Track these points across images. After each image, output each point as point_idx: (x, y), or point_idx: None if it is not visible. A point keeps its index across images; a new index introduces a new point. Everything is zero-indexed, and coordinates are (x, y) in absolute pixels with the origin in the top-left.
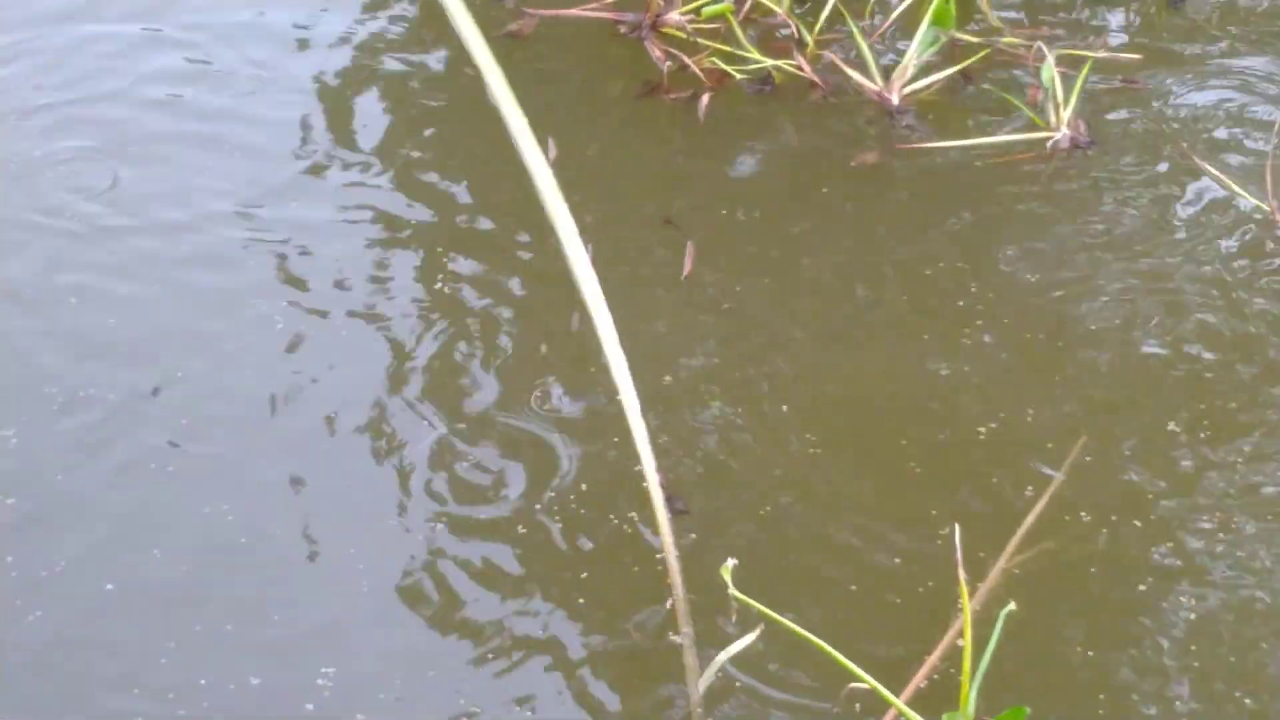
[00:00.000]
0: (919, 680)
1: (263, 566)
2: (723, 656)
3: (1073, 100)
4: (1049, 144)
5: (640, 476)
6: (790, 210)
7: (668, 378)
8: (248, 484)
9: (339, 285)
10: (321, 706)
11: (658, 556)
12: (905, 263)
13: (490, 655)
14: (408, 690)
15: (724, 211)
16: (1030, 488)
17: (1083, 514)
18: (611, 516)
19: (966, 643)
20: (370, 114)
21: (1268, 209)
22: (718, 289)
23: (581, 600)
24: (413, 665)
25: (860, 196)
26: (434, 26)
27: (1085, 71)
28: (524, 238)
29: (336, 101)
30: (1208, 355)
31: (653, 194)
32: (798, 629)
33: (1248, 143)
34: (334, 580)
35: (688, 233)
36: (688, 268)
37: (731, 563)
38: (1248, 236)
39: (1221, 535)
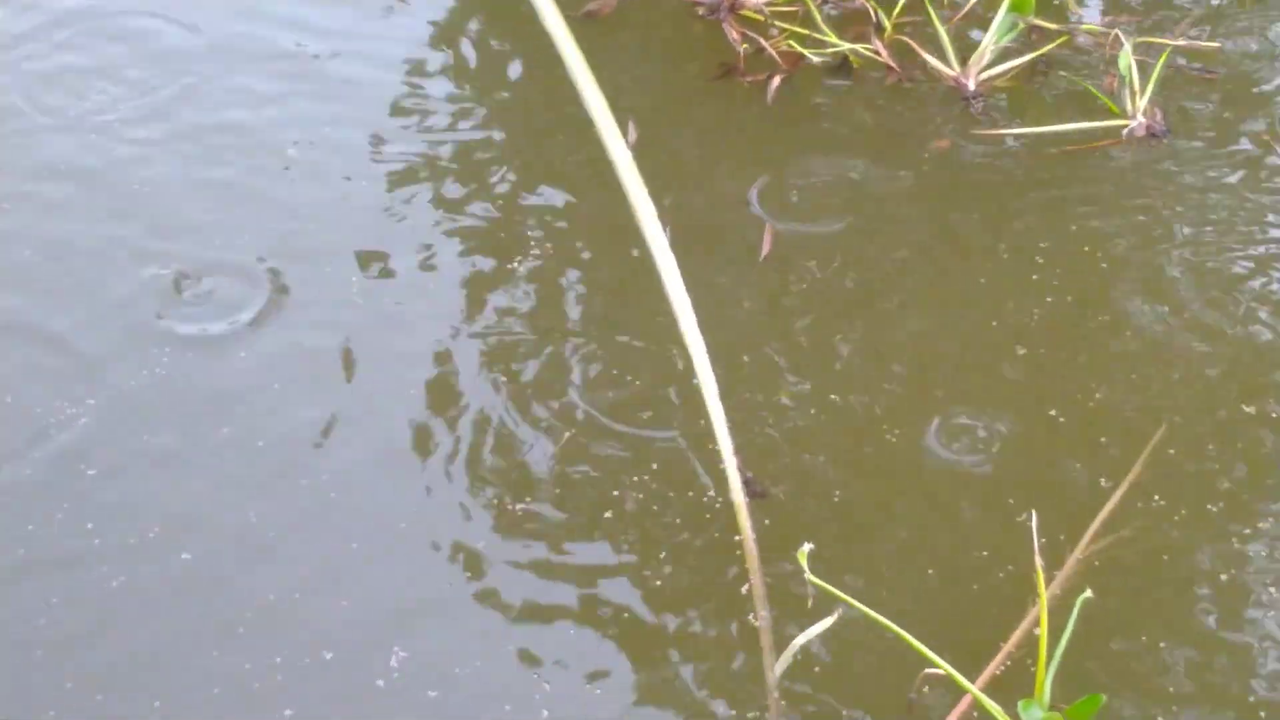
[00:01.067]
0: (995, 667)
1: (336, 542)
2: (800, 640)
3: (1149, 88)
4: (1124, 132)
5: (719, 458)
6: (866, 194)
7: (746, 357)
8: (321, 455)
9: (412, 266)
10: (391, 684)
11: (735, 539)
12: (978, 247)
13: (564, 634)
14: (481, 667)
15: (801, 194)
16: (1107, 474)
17: (1159, 499)
18: (690, 497)
19: (1043, 630)
20: (446, 95)
21: None
22: (795, 271)
23: (658, 582)
24: (486, 644)
25: (935, 181)
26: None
27: (1163, 59)
28: (602, 218)
29: (413, 82)
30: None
31: (729, 176)
32: (874, 614)
33: None
34: (406, 558)
35: (766, 215)
36: (766, 249)
37: (808, 547)
38: None
39: None
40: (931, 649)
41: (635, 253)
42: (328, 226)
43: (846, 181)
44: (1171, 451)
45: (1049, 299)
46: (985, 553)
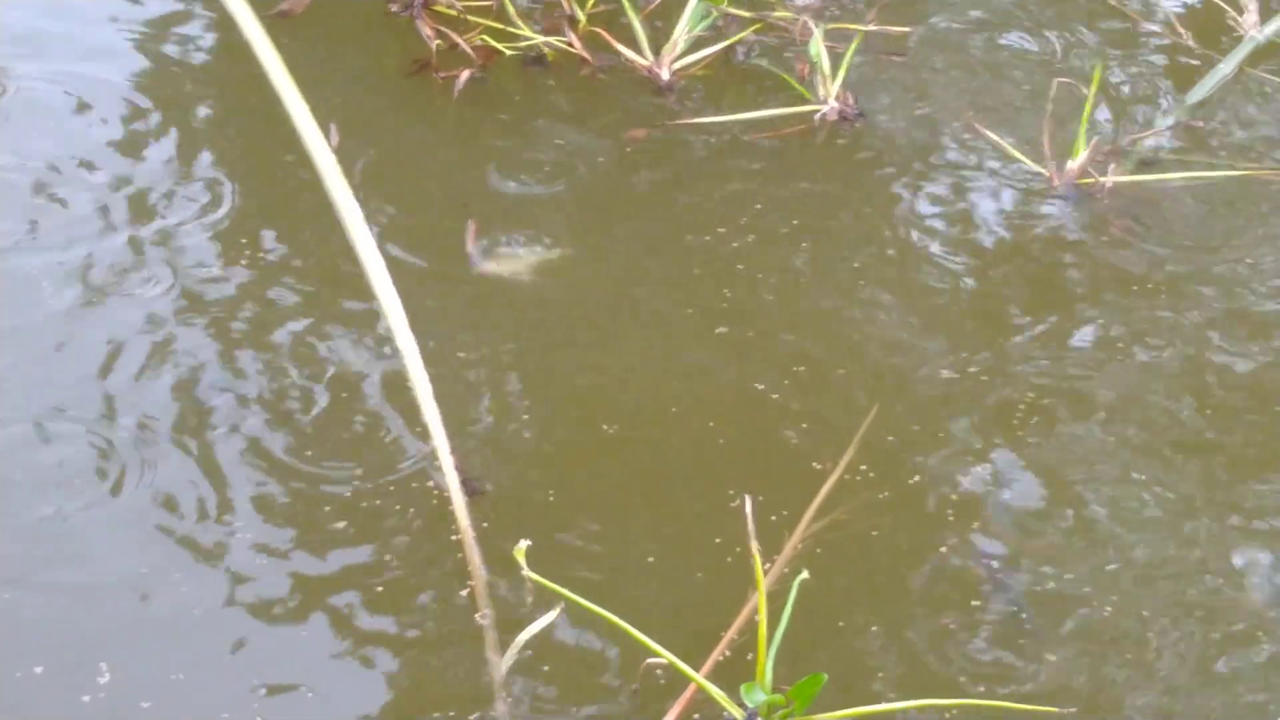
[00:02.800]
0: (718, 654)
1: (44, 550)
2: (523, 636)
3: (840, 73)
4: (817, 117)
5: (437, 458)
6: (565, 186)
7: (462, 354)
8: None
9: (112, 272)
10: (98, 700)
11: (454, 539)
12: (674, 233)
13: (282, 640)
14: (196, 677)
15: (499, 188)
16: (824, 458)
17: (871, 478)
18: (410, 499)
19: (761, 614)
20: (139, 107)
21: (1045, 172)
22: (500, 267)
23: (380, 588)
24: (199, 653)
25: (632, 171)
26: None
27: (854, 45)
28: (306, 221)
29: (101, 99)
30: (983, 310)
31: (431, 174)
32: (592, 606)
33: (1023, 108)
34: (118, 567)
35: (468, 211)
36: (469, 245)
37: (524, 544)
38: (1025, 199)
39: (1008, 493)
40: (657, 638)
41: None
42: None
43: (546, 174)
44: (888, 437)
45: (746, 280)
46: (710, 540)
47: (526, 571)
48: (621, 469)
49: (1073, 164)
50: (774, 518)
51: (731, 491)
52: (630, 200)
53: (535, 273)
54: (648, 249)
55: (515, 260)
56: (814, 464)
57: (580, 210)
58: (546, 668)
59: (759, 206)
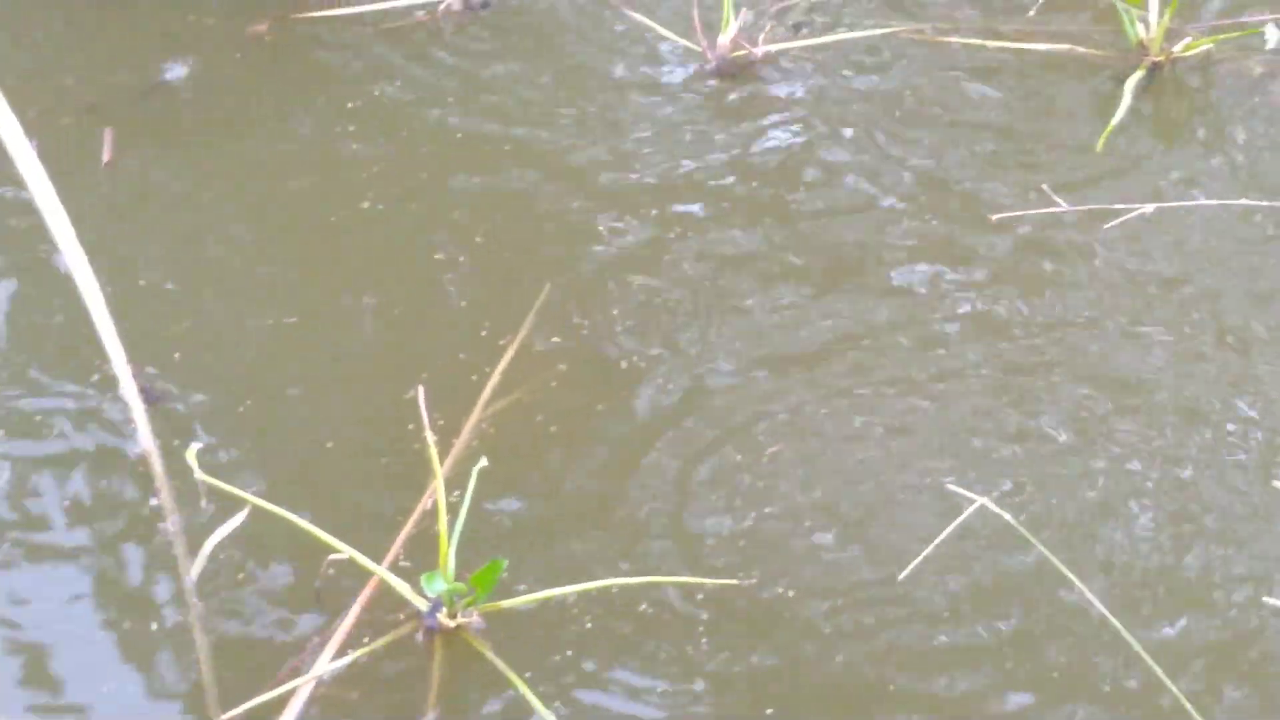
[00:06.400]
0: (399, 545)
1: None
2: (210, 542)
3: None
4: (441, 7)
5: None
6: (192, 87)
7: (143, 282)
8: None
9: None
10: None
11: (138, 453)
12: (315, 127)
13: None
14: None
15: (138, 96)
16: (503, 337)
17: (552, 356)
18: (94, 419)
19: (440, 503)
20: None
21: (698, 46)
22: (147, 174)
23: (66, 502)
24: None
25: (258, 67)
26: None
27: None
28: None
29: None
30: (646, 181)
31: (59, 73)
32: (270, 506)
33: None
34: None
35: (107, 119)
36: (108, 155)
37: (196, 446)
38: (683, 73)
39: (687, 358)
40: (342, 534)
41: None
42: None
43: (170, 73)
44: (574, 317)
45: (405, 179)
46: (392, 429)
47: (199, 474)
48: (306, 360)
49: (724, 37)
50: (441, 410)
51: (424, 375)
52: (260, 96)
53: (178, 175)
54: (282, 141)
55: (160, 164)
56: (501, 339)
57: (211, 108)
58: (239, 575)
59: (376, 92)
